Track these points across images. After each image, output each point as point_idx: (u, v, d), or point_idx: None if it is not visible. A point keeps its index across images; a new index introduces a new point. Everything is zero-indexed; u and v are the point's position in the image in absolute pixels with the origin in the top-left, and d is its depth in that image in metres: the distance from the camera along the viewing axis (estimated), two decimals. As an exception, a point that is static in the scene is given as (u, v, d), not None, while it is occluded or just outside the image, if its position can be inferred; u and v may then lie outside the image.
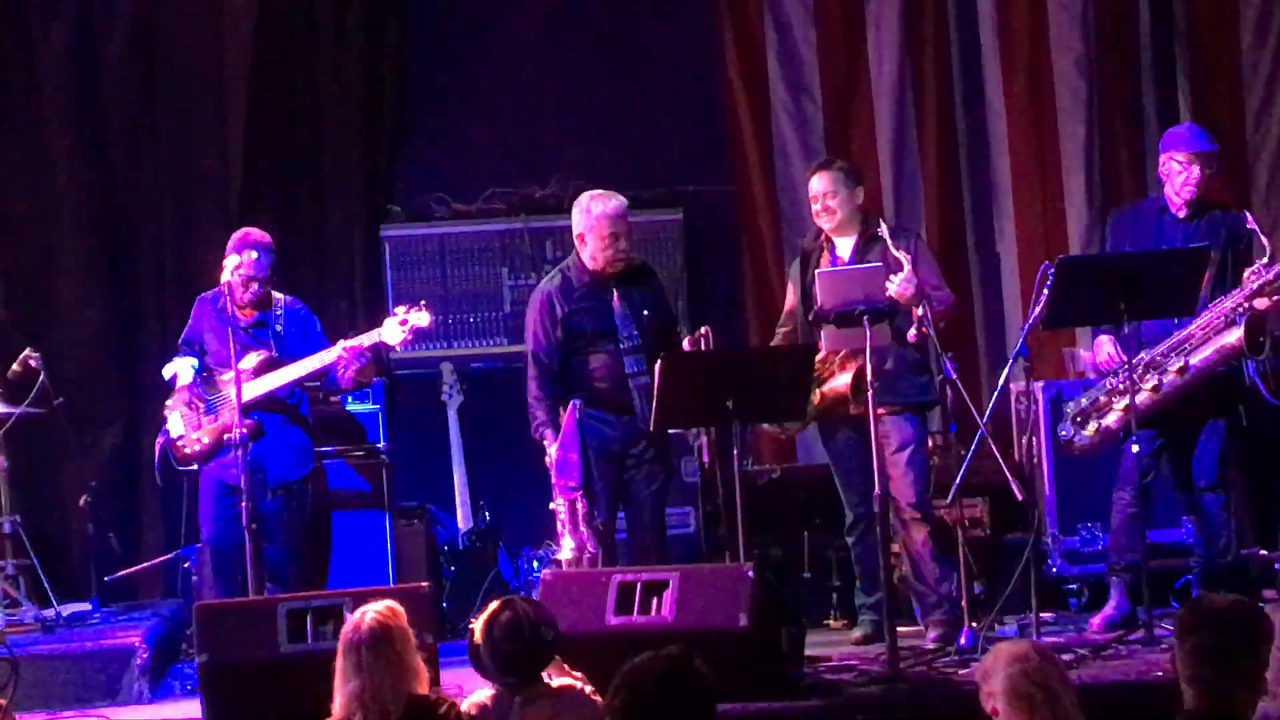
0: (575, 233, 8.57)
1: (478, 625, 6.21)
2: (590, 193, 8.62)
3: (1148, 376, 8.36)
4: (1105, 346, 8.50)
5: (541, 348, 8.53)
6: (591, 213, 8.51)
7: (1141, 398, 8.27)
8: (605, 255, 8.52)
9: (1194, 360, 8.35)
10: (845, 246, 8.62)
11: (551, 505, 8.20)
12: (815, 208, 8.66)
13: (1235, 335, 8.24)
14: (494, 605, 6.25)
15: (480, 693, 6.26)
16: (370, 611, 6.13)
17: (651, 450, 8.57)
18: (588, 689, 6.18)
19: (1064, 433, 8.70)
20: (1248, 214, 8.52)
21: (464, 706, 6.20)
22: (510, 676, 6.13)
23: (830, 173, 8.64)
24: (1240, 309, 8.25)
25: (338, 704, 6.05)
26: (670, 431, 8.76)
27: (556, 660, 6.26)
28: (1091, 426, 8.57)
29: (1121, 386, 8.32)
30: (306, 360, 8.62)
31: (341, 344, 8.60)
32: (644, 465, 8.56)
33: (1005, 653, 4.98)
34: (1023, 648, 5.01)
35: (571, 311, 8.52)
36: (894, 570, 8.57)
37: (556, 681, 6.18)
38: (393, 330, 8.62)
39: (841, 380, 8.40)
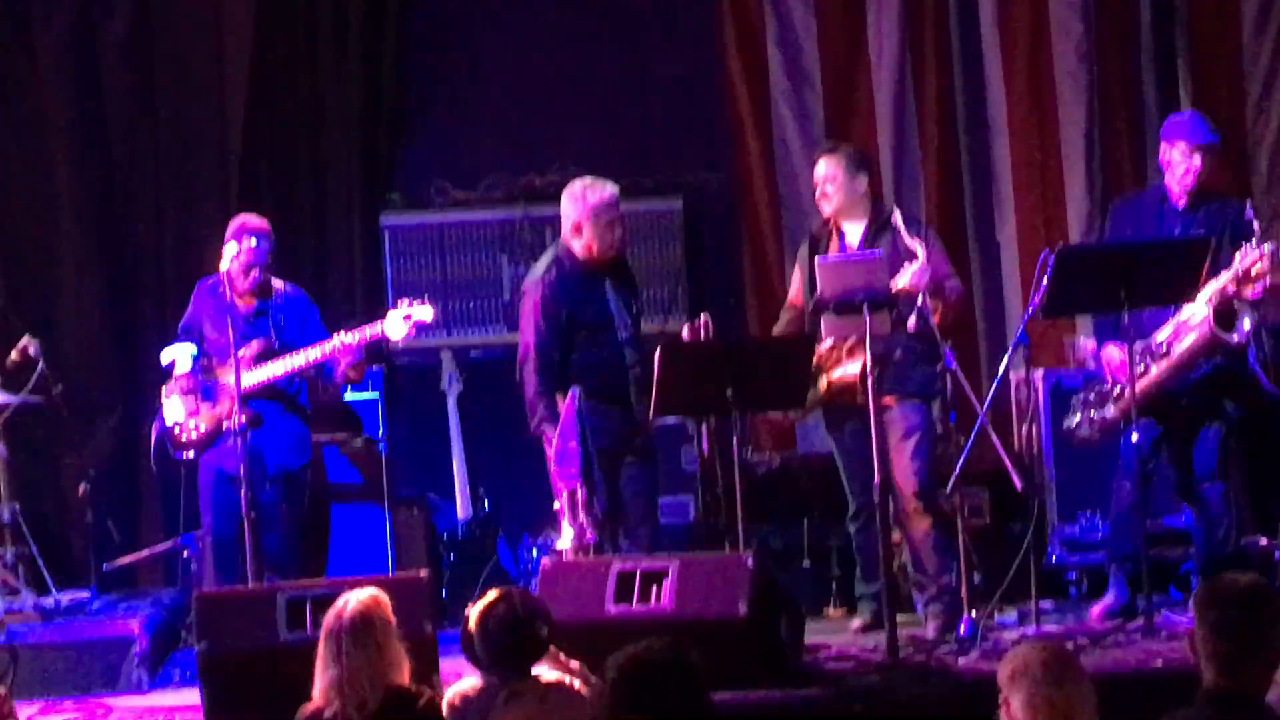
0: (570, 222, 8.49)
1: (472, 614, 6.22)
2: (581, 181, 8.56)
3: (1143, 363, 8.35)
4: (1116, 356, 8.46)
5: (544, 340, 8.43)
6: (588, 201, 8.46)
7: (1138, 385, 8.27)
8: (605, 242, 8.47)
9: (1177, 347, 8.35)
10: (854, 232, 8.60)
11: (556, 506, 8.17)
12: (816, 192, 8.67)
13: (1207, 322, 8.25)
14: (491, 595, 6.26)
15: (465, 682, 6.27)
16: (353, 600, 6.14)
17: (641, 440, 8.54)
18: (577, 683, 6.18)
19: (1068, 424, 8.70)
20: (1248, 204, 8.50)
21: (448, 695, 6.22)
22: (500, 668, 6.13)
23: (831, 157, 8.63)
24: (1227, 291, 8.24)
25: (317, 691, 6.07)
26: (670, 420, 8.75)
27: (552, 651, 6.26)
28: (1094, 417, 8.57)
29: (1123, 379, 8.34)
30: (304, 352, 8.61)
31: (337, 338, 8.59)
32: (636, 456, 8.53)
33: (1029, 667, 4.89)
34: (1049, 666, 4.85)
35: (572, 303, 8.46)
36: (894, 559, 8.57)
37: (548, 676, 6.18)
38: (395, 324, 8.60)
39: (850, 369, 8.38)
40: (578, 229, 8.46)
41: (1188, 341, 8.36)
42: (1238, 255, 8.23)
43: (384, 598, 6.18)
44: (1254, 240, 8.22)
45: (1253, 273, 8.20)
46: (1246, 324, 8.26)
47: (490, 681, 6.15)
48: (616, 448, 8.40)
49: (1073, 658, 4.99)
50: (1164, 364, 8.38)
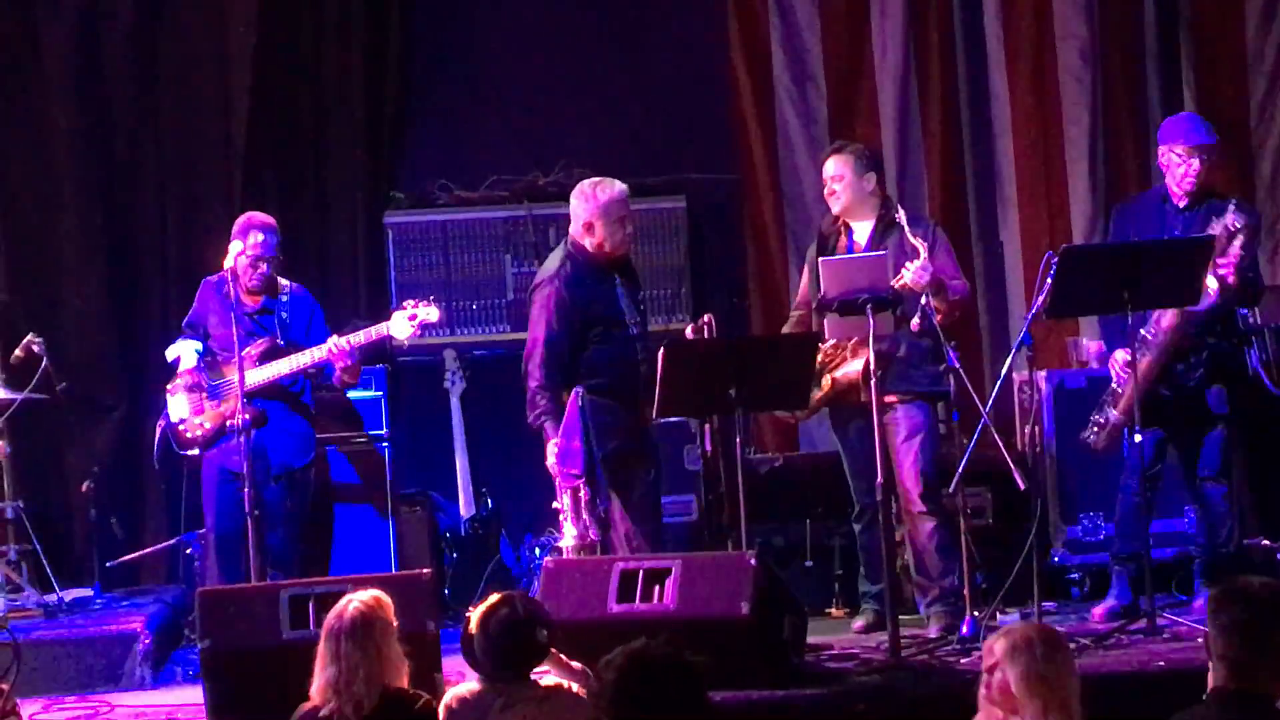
0: (581, 221, 8.47)
1: (474, 616, 6.21)
2: (590, 180, 8.56)
3: (1140, 357, 8.37)
4: (1121, 359, 8.46)
5: (554, 335, 8.40)
6: (599, 199, 8.46)
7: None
8: (616, 239, 8.47)
9: (1159, 331, 8.36)
10: (863, 231, 8.61)
11: (555, 504, 8.18)
12: (825, 191, 8.68)
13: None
14: (493, 599, 6.25)
15: (464, 685, 6.27)
16: (355, 601, 6.13)
17: (647, 440, 8.54)
18: (576, 686, 6.18)
19: (1084, 436, 8.69)
20: (1232, 202, 8.45)
21: (446, 698, 6.21)
22: (498, 672, 6.13)
23: (839, 156, 8.63)
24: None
25: (315, 689, 6.06)
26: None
27: (554, 654, 6.25)
28: (1099, 420, 8.58)
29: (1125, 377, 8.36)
30: (309, 351, 8.63)
31: (332, 340, 8.59)
32: (643, 455, 8.53)
33: (1030, 643, 5.04)
34: (1046, 643, 5.06)
35: (586, 298, 8.45)
36: (897, 559, 8.57)
37: (546, 681, 6.18)
38: (401, 324, 8.61)
39: (854, 367, 8.39)
40: (588, 227, 8.46)
41: (1165, 321, 8.37)
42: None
43: (386, 599, 6.17)
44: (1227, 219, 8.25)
45: (1220, 248, 8.23)
46: (1212, 284, 8.25)
47: (488, 685, 6.15)
48: (625, 447, 8.40)
49: (1062, 637, 5.13)
50: (1151, 352, 8.37)
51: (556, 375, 8.38)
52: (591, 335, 8.43)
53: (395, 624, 6.14)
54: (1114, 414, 8.54)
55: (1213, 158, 8.64)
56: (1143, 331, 8.39)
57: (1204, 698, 4.84)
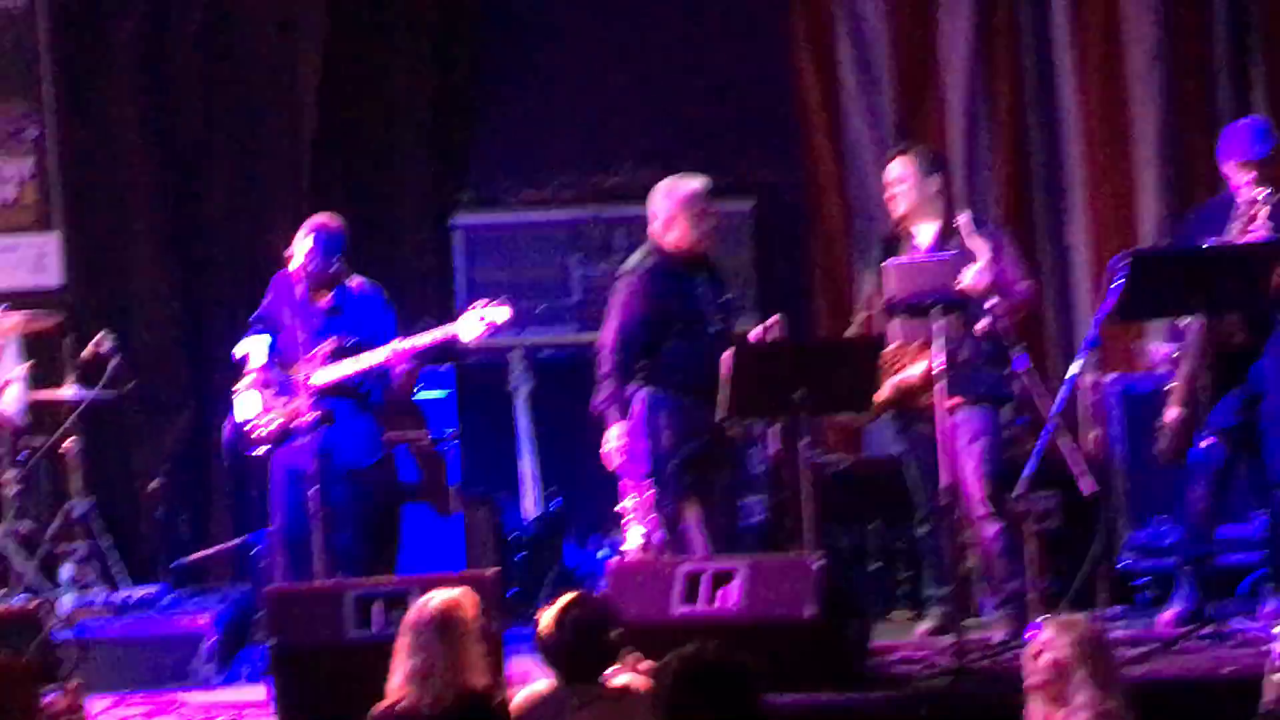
0: (661, 219, 8.51)
1: (548, 616, 6.22)
2: (668, 179, 8.62)
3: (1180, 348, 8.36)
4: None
5: (629, 327, 8.45)
6: (678, 193, 8.52)
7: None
8: (697, 233, 8.51)
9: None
10: (926, 234, 8.58)
11: (619, 506, 8.19)
12: (886, 195, 8.66)
13: None
14: (566, 599, 6.26)
15: (538, 684, 6.28)
16: (438, 597, 6.18)
17: (725, 441, 8.55)
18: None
19: (1158, 448, 8.64)
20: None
21: (518, 698, 6.22)
22: (572, 672, 6.14)
23: (904, 158, 8.61)
24: None
25: (393, 683, 6.09)
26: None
27: (626, 653, 6.26)
28: (1157, 425, 8.53)
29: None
30: (378, 351, 8.64)
31: (393, 344, 8.59)
32: (722, 456, 8.54)
33: (1062, 620, 5.21)
34: (1078, 616, 5.28)
35: (668, 294, 8.48)
36: (963, 562, 8.54)
37: (619, 679, 6.19)
38: (471, 325, 8.60)
39: (914, 370, 8.36)
40: (669, 223, 8.51)
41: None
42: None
43: (471, 598, 6.21)
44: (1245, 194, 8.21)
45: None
46: None
47: (561, 685, 6.16)
48: (705, 448, 8.41)
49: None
50: (1190, 344, 8.28)
51: (627, 365, 8.42)
52: (671, 331, 8.46)
53: (479, 623, 6.17)
54: (1171, 412, 8.48)
55: (1272, 166, 8.54)
56: (1178, 324, 8.33)
57: (1260, 707, 4.83)
